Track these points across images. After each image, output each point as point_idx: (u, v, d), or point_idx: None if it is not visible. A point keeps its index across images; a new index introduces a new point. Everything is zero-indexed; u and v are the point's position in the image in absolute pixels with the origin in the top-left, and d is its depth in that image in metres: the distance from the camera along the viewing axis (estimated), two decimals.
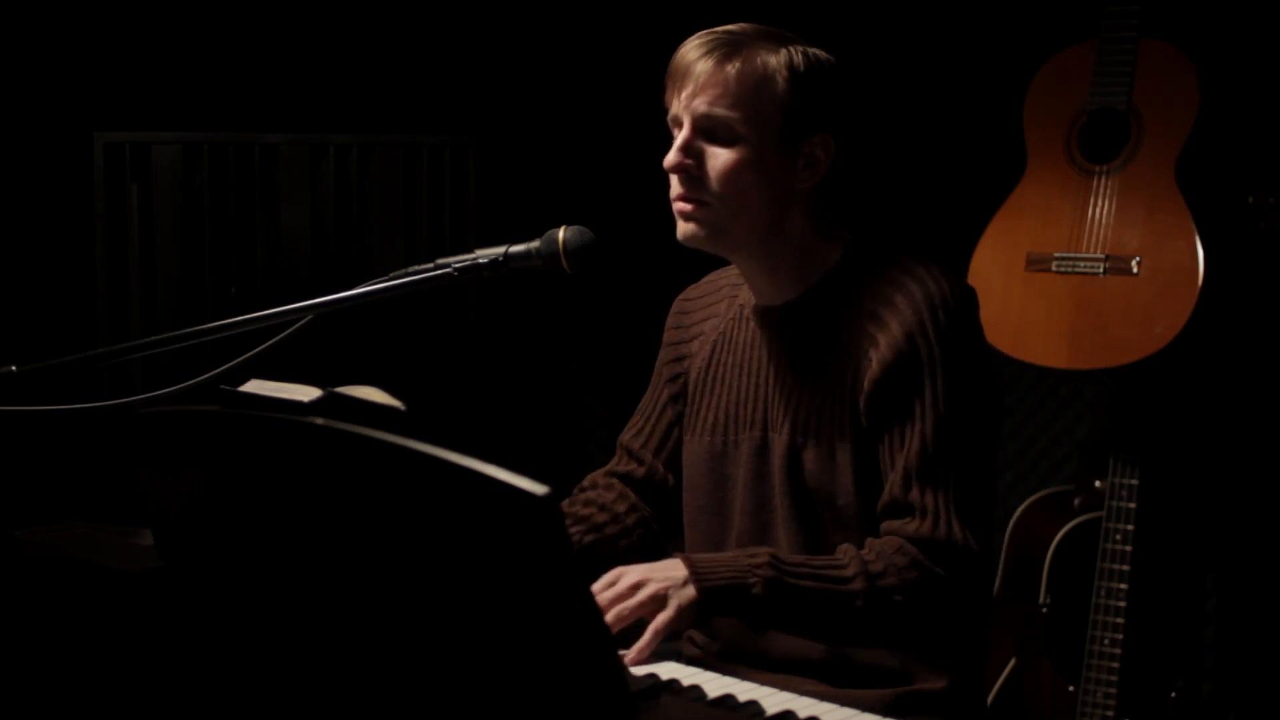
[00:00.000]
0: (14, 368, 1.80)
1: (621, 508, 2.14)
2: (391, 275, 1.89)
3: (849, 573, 1.83)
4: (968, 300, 1.92)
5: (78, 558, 1.69)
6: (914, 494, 1.86)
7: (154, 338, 1.91)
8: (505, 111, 3.80)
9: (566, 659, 1.27)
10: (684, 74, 1.90)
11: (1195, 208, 2.88)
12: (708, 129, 1.90)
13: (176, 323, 3.13)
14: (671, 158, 1.92)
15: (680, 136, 1.92)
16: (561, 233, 1.88)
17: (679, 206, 1.94)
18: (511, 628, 1.29)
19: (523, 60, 3.85)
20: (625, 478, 2.18)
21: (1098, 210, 2.97)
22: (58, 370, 1.83)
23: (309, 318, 1.86)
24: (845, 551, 1.86)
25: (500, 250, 1.89)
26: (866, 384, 1.89)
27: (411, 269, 1.89)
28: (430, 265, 1.89)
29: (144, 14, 3.48)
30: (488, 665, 1.31)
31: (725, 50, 1.89)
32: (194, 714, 1.57)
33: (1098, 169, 2.99)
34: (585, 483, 2.21)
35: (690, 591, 1.79)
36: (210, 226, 3.22)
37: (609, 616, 1.76)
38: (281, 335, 1.88)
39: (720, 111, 1.89)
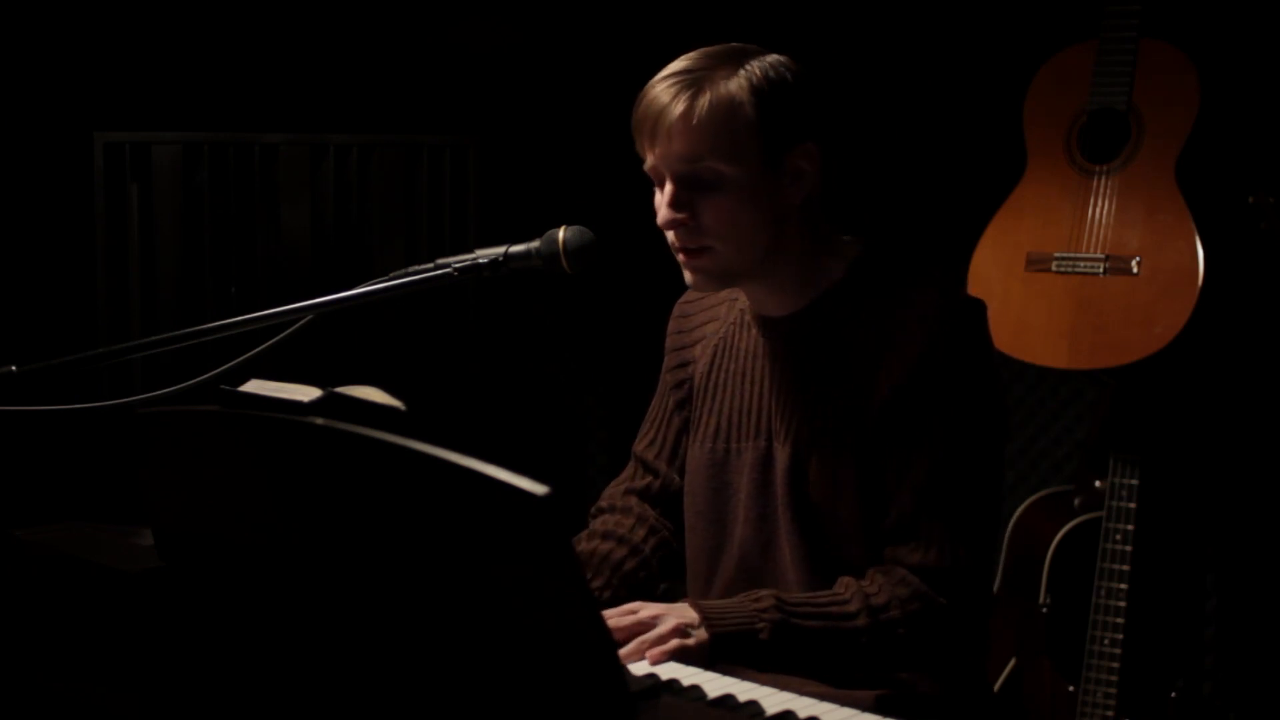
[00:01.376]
0: (14, 368, 1.80)
1: (639, 535, 2.13)
2: (391, 275, 1.88)
3: (852, 608, 1.83)
4: (978, 317, 1.91)
5: (78, 558, 1.69)
6: (920, 519, 1.85)
7: (154, 338, 1.91)
8: (505, 111, 3.80)
9: (566, 659, 1.27)
10: (653, 127, 1.86)
11: (1195, 208, 2.88)
12: (690, 176, 1.87)
13: (176, 323, 3.13)
14: (664, 216, 1.89)
15: (666, 192, 1.88)
16: (561, 233, 1.88)
17: (682, 258, 1.92)
18: (511, 628, 1.29)
19: (523, 60, 3.85)
20: (642, 493, 2.18)
21: (1098, 210, 2.97)
22: (58, 370, 1.83)
23: (309, 318, 1.86)
24: (847, 585, 1.86)
25: (500, 250, 1.89)
26: (877, 404, 1.88)
27: (411, 269, 1.89)
28: (430, 265, 1.89)
29: (144, 14, 3.48)
30: (488, 665, 1.31)
31: (689, 92, 1.84)
32: (194, 714, 1.57)
33: (1098, 169, 2.99)
34: (604, 501, 2.20)
35: (703, 634, 1.80)
36: (210, 226, 3.22)
37: (632, 645, 1.77)
38: (281, 335, 1.88)
39: (700, 160, 1.85)
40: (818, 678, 1.87)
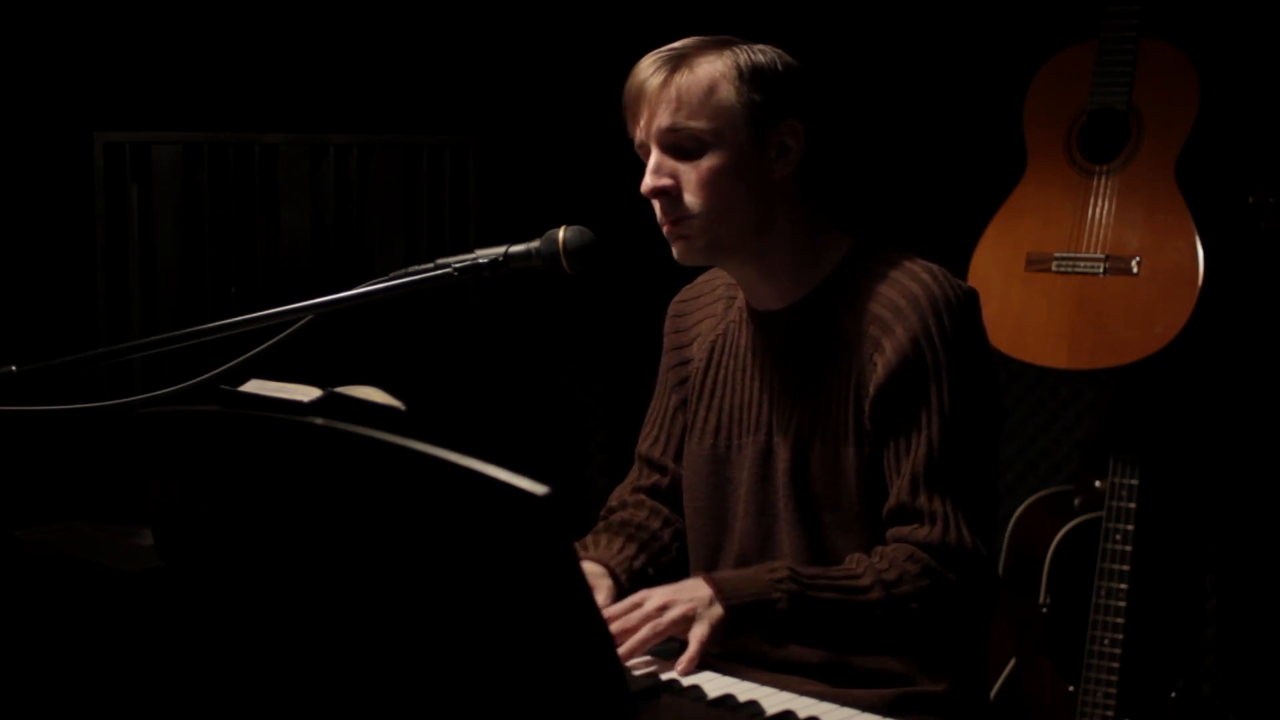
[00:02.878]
0: (14, 368, 1.80)
1: (655, 524, 2.14)
2: (391, 275, 1.89)
3: (865, 582, 1.83)
4: (971, 303, 1.92)
5: (78, 558, 1.69)
6: (922, 499, 1.86)
7: (154, 338, 1.91)
8: (505, 111, 3.80)
9: (567, 659, 1.27)
10: (637, 98, 1.91)
11: (1195, 208, 2.88)
12: (674, 145, 1.90)
13: (176, 323, 3.13)
14: (647, 182, 1.91)
15: (651, 160, 1.91)
16: (561, 233, 1.88)
17: (667, 230, 1.93)
18: (512, 628, 1.29)
19: (523, 60, 3.85)
20: (651, 491, 2.18)
21: (1098, 210, 2.97)
22: (58, 370, 1.83)
23: (309, 318, 1.86)
24: (858, 561, 1.87)
25: (500, 250, 1.89)
26: (872, 389, 1.89)
27: (411, 269, 1.90)
28: (430, 265, 1.90)
29: (144, 14, 3.48)
30: (488, 665, 1.31)
31: (671, 65, 1.89)
32: (194, 714, 1.57)
33: (1098, 169, 2.99)
34: (613, 502, 2.20)
35: (718, 610, 1.79)
36: (210, 226, 3.21)
37: (644, 632, 1.77)
38: (281, 335, 1.88)
39: (681, 123, 1.88)
40: (829, 647, 1.88)
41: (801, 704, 1.64)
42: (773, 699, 1.66)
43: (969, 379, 1.88)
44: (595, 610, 1.28)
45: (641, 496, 2.18)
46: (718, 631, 1.78)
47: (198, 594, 1.56)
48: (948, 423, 1.86)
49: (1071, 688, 3.00)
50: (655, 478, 2.18)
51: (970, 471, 1.88)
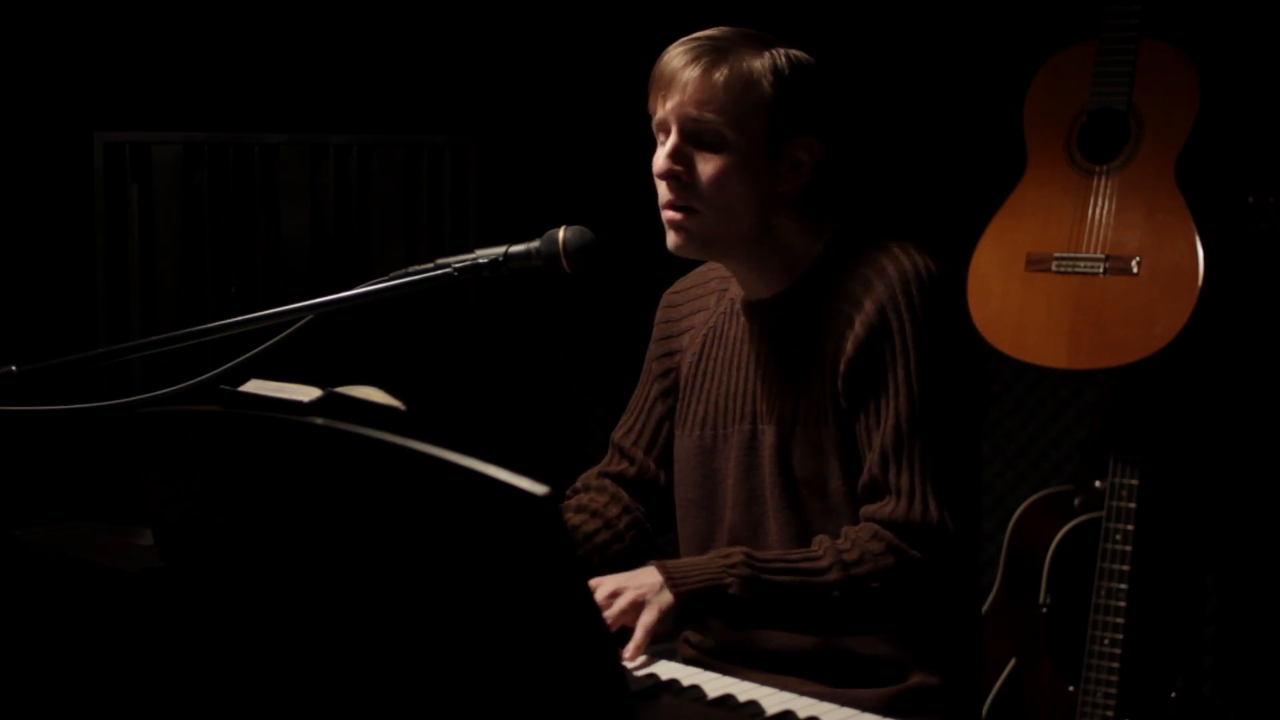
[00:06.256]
0: (14, 368, 1.81)
1: (613, 511, 2.14)
2: (391, 275, 1.89)
3: (824, 564, 1.83)
4: (944, 278, 1.92)
5: (78, 558, 1.69)
6: (890, 473, 1.86)
7: (154, 338, 1.91)
8: (505, 111, 3.80)
9: (566, 658, 1.27)
10: (670, 81, 1.91)
11: (1195, 208, 2.88)
12: (695, 133, 1.91)
13: (176, 323, 3.14)
14: (661, 164, 1.92)
15: (669, 143, 1.92)
16: (561, 233, 1.88)
17: (669, 215, 1.94)
18: (511, 627, 1.29)
19: (523, 60, 3.85)
20: (617, 477, 2.19)
21: (1098, 210, 2.97)
22: (58, 370, 1.83)
23: (309, 318, 1.86)
24: (820, 543, 1.87)
25: (500, 250, 1.89)
26: (843, 364, 1.90)
27: (411, 269, 1.89)
28: (430, 265, 1.90)
29: (144, 14, 3.48)
30: (488, 665, 1.31)
31: (711, 57, 1.89)
32: (194, 714, 1.57)
33: (1098, 169, 2.99)
34: (579, 483, 2.21)
35: (667, 596, 1.79)
36: (210, 226, 3.22)
37: None
38: (281, 335, 1.88)
39: (709, 117, 1.89)
40: (792, 630, 1.88)
41: (801, 704, 1.64)
42: (773, 699, 1.66)
43: (938, 351, 1.88)
44: (595, 610, 1.29)
45: (605, 482, 2.19)
46: (667, 618, 1.78)
47: (198, 594, 1.56)
48: (915, 394, 1.86)
49: (1071, 688, 3.00)
50: (623, 465, 2.19)
51: (940, 443, 1.87)
